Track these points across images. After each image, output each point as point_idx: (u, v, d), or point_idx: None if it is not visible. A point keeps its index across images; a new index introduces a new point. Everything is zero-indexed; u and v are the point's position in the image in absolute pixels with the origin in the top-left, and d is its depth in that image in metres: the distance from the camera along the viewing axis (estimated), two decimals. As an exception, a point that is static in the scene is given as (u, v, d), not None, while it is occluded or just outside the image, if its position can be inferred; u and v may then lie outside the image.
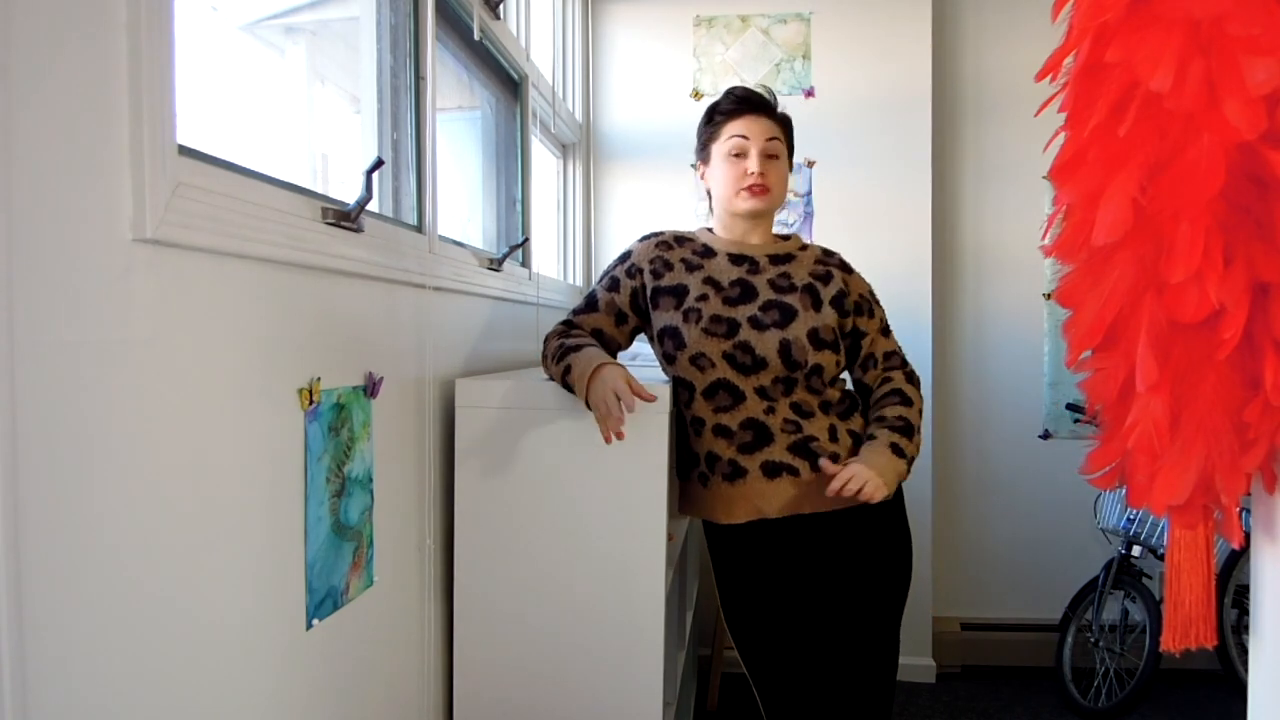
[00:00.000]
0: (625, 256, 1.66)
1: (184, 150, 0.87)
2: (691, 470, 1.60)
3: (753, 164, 1.57)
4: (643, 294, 1.61)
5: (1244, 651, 2.60)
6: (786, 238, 1.68)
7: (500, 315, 1.98)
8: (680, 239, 1.66)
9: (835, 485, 1.44)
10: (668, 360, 1.58)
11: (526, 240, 2.28)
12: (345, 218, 1.18)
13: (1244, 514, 0.89)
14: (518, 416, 1.53)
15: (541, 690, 1.56)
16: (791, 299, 1.56)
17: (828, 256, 1.67)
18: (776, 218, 1.93)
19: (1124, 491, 0.94)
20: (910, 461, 1.53)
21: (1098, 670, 2.82)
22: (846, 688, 1.52)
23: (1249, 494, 0.87)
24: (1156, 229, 0.81)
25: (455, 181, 2.19)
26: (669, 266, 1.61)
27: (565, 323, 1.64)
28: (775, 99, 1.64)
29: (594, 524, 1.54)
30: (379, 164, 1.25)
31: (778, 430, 1.52)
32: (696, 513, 1.62)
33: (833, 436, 1.54)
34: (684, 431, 1.61)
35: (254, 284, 0.99)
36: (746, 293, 1.56)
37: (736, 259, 1.61)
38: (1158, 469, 0.86)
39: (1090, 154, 0.86)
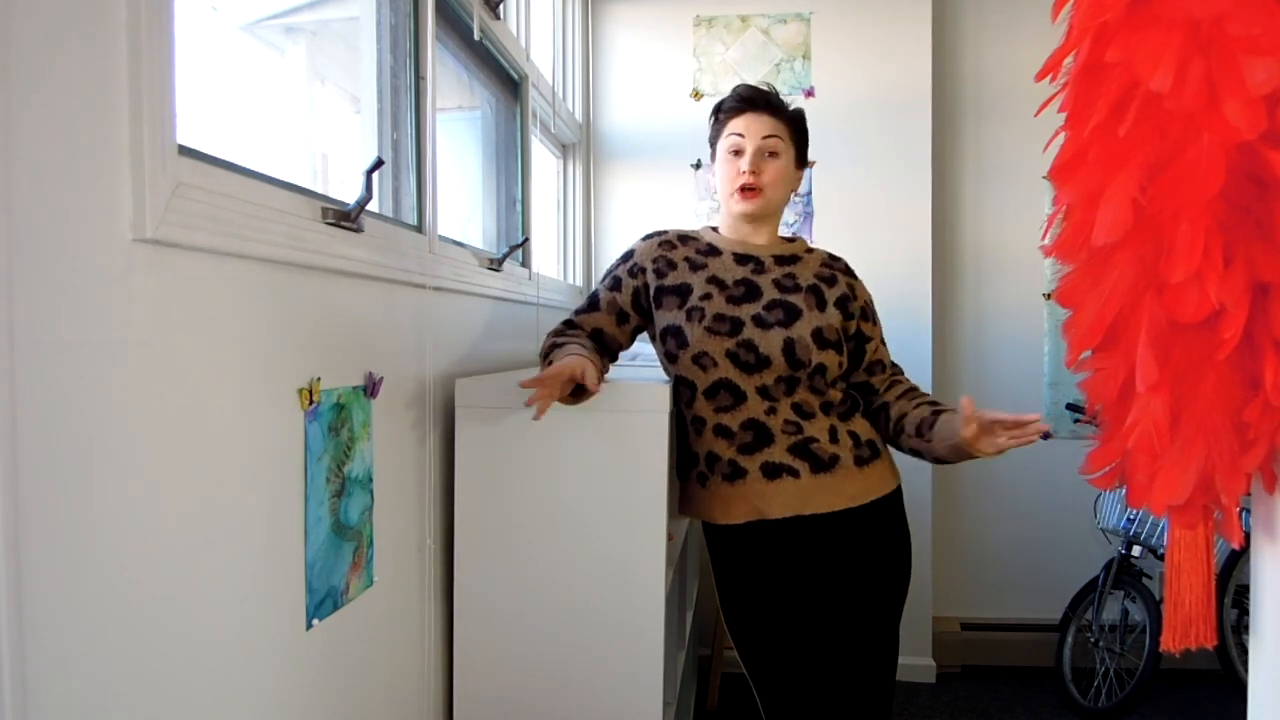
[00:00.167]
0: (628, 255, 1.66)
1: (184, 150, 0.87)
2: (691, 470, 1.60)
3: (745, 162, 1.57)
4: (645, 293, 1.61)
5: (1244, 651, 2.60)
6: (791, 240, 1.68)
7: (500, 315, 1.98)
8: (684, 238, 1.66)
9: (1036, 428, 1.39)
10: (670, 359, 1.58)
11: (526, 240, 2.28)
12: (345, 218, 1.18)
13: (1244, 514, 0.88)
14: (518, 416, 1.53)
15: (541, 690, 1.56)
16: (796, 299, 1.56)
17: (833, 261, 1.67)
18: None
19: (1124, 491, 0.93)
20: None
21: (1098, 670, 2.82)
22: (846, 688, 1.52)
23: (1249, 494, 0.87)
24: (1156, 229, 0.81)
25: (455, 181, 2.19)
26: (672, 265, 1.61)
27: (566, 323, 1.64)
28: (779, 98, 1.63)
29: (594, 524, 1.54)
30: (379, 164, 1.25)
31: (778, 431, 1.52)
32: (694, 513, 1.62)
33: (833, 438, 1.54)
34: (684, 431, 1.61)
35: (254, 284, 0.99)
36: (751, 292, 1.56)
37: (742, 258, 1.61)
38: (1158, 469, 0.86)
39: (1090, 154, 0.86)
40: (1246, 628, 1.90)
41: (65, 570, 0.72)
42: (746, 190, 1.57)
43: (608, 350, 1.64)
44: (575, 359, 1.41)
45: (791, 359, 1.51)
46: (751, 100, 1.59)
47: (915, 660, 2.99)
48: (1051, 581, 3.11)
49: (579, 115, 3.05)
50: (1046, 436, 1.46)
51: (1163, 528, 2.69)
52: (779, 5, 3.05)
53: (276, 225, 1.01)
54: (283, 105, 1.61)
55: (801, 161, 1.65)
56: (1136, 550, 2.80)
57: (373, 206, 1.29)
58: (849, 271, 1.68)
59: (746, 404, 1.52)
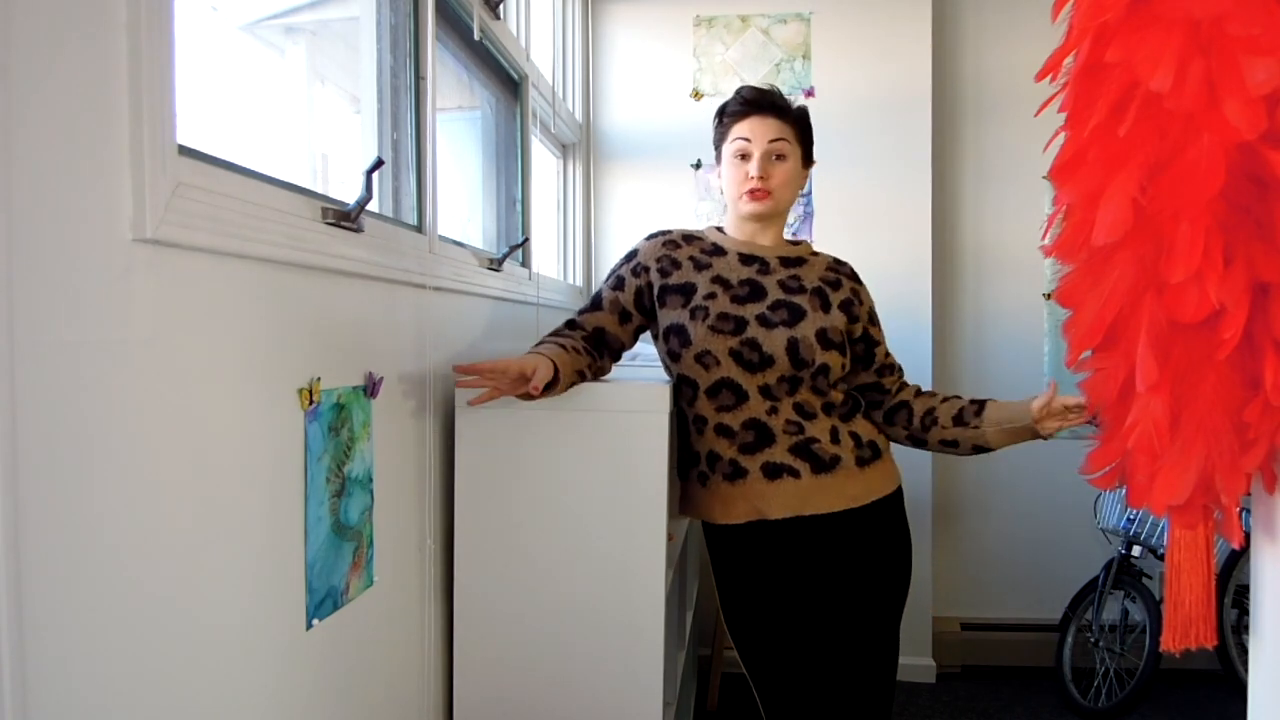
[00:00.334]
0: (631, 255, 1.66)
1: (184, 150, 0.87)
2: (691, 469, 1.60)
3: (753, 167, 1.56)
4: (649, 292, 1.61)
5: (1244, 651, 2.60)
6: (797, 243, 1.68)
7: (500, 315, 1.98)
8: (689, 237, 1.66)
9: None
10: (673, 358, 1.58)
11: (526, 240, 2.28)
12: (345, 218, 1.18)
13: (1244, 514, 0.89)
14: (518, 416, 1.53)
15: (541, 690, 1.56)
16: (800, 300, 1.56)
17: (839, 265, 1.67)
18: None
19: (1124, 491, 0.94)
20: None
21: (1098, 670, 2.83)
22: (846, 688, 1.52)
23: (1249, 494, 0.87)
24: (1156, 229, 0.82)
25: (455, 181, 2.19)
26: (676, 265, 1.61)
27: (568, 323, 1.64)
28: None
29: (594, 524, 1.54)
30: (379, 164, 1.25)
31: (779, 431, 1.52)
32: (695, 513, 1.62)
33: (834, 438, 1.54)
34: (685, 430, 1.61)
35: (254, 284, 0.99)
36: (755, 292, 1.56)
37: (747, 259, 1.61)
38: (1158, 469, 0.86)
39: (1090, 154, 0.86)
40: (1246, 628, 1.90)
41: (65, 570, 0.72)
42: (756, 192, 1.57)
43: (610, 349, 1.64)
44: (531, 356, 1.43)
45: (795, 358, 1.51)
46: (756, 103, 1.59)
47: (915, 660, 2.99)
48: (1051, 581, 3.11)
49: (579, 115, 3.05)
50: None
51: (1163, 528, 2.69)
52: (779, 5, 3.05)
53: (276, 225, 1.01)
54: (283, 105, 1.61)
55: (808, 160, 1.65)
56: (1136, 550, 2.80)
57: (373, 206, 1.29)
58: (854, 276, 1.68)
59: (748, 403, 1.52)
